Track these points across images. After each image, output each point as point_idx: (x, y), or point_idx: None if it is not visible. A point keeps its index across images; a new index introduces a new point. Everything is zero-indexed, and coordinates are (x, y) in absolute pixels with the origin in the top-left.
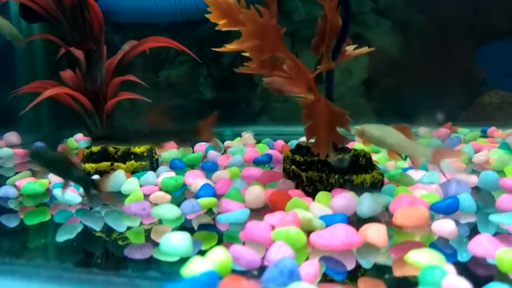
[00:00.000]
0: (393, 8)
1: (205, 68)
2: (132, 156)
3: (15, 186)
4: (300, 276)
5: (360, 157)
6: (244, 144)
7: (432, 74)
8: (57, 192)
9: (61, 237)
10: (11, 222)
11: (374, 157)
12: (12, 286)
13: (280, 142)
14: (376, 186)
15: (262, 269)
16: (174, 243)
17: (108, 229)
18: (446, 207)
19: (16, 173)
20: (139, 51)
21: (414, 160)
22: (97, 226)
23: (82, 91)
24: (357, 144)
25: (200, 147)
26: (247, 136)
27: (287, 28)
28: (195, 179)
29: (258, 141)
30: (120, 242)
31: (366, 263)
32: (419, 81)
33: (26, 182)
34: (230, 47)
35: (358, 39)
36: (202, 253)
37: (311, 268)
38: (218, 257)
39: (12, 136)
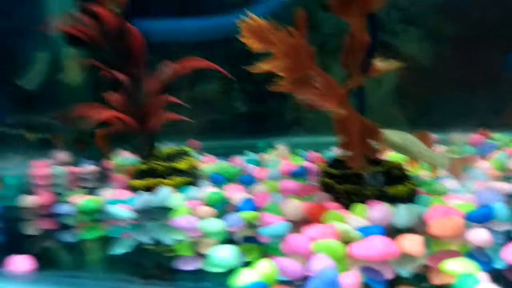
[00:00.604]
0: (421, 16)
1: (238, 82)
2: (176, 172)
3: (72, 203)
4: (341, 285)
5: (394, 168)
6: (279, 156)
7: (463, 80)
8: (110, 208)
9: (116, 250)
10: (70, 237)
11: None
12: None
13: (314, 154)
14: (410, 197)
15: (304, 279)
16: (221, 255)
17: (157, 242)
18: (481, 216)
19: (69, 190)
20: (178, 72)
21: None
22: (147, 239)
23: (126, 112)
24: (389, 154)
25: (238, 160)
26: (281, 148)
27: (316, 40)
28: (236, 193)
29: (292, 153)
30: (169, 254)
31: (405, 272)
32: (450, 87)
33: (82, 199)
34: (262, 66)
35: (386, 47)
36: (246, 264)
37: (351, 278)
38: (264, 268)
39: (62, 154)
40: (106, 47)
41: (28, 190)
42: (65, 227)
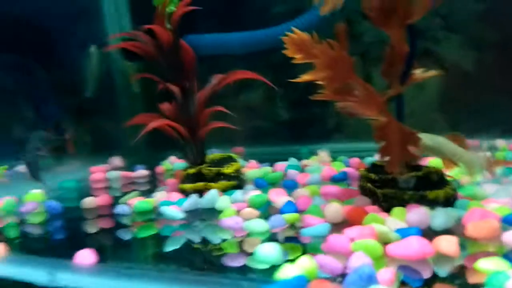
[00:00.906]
0: (463, 23)
1: (280, 90)
2: (222, 176)
3: (128, 204)
4: (378, 280)
5: (433, 173)
6: (321, 162)
7: (505, 86)
8: (163, 209)
9: (168, 248)
10: (127, 235)
11: (449, 172)
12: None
13: (355, 160)
14: (449, 200)
15: (343, 276)
16: (266, 252)
17: (206, 240)
18: None
19: (124, 192)
20: (225, 83)
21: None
22: (197, 238)
23: (178, 121)
24: (432, 160)
25: (280, 166)
26: (323, 154)
27: (357, 49)
28: (278, 196)
29: (334, 159)
30: (217, 252)
31: (442, 272)
32: (492, 93)
33: (137, 201)
34: (305, 77)
35: (428, 54)
36: (289, 261)
37: (387, 274)
38: (305, 264)
39: (116, 160)
40: (160, 61)
41: (86, 192)
42: (122, 226)
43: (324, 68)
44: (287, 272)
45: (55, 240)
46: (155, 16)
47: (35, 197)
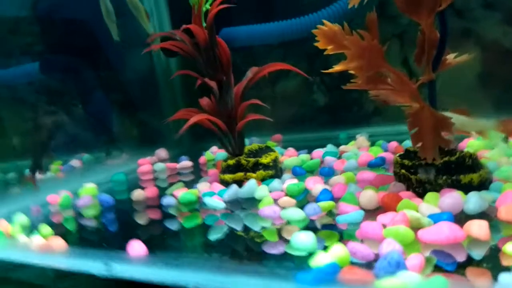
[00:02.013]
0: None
1: (317, 77)
2: (260, 166)
3: (173, 195)
4: (406, 266)
5: (467, 158)
6: (359, 148)
7: None
8: (206, 199)
9: (213, 236)
10: (174, 225)
11: (487, 154)
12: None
13: (393, 144)
14: (483, 184)
15: (375, 261)
16: (302, 240)
17: (247, 229)
18: None
19: (170, 183)
20: (260, 76)
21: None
22: (238, 227)
23: (217, 115)
24: (472, 141)
25: (318, 153)
26: (361, 139)
27: (395, 30)
28: (315, 184)
29: (373, 143)
30: (257, 240)
31: (476, 255)
32: None
33: (182, 192)
34: (337, 68)
35: (467, 34)
36: (325, 248)
37: (416, 260)
38: (338, 251)
39: (162, 152)
40: (198, 58)
41: (135, 184)
42: (169, 216)
43: (355, 58)
44: (320, 259)
45: (109, 232)
46: (192, 15)
47: (89, 191)
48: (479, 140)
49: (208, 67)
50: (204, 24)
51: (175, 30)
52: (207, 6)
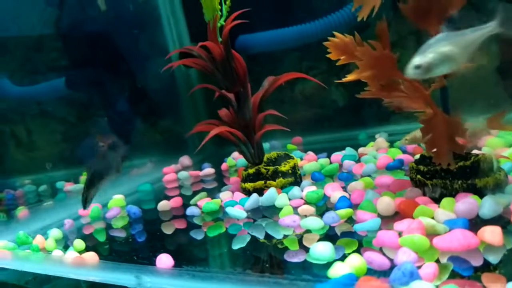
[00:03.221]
0: None
1: (335, 77)
2: (279, 174)
3: (197, 205)
4: (420, 275)
5: (481, 161)
6: (377, 149)
7: None
8: (228, 209)
9: (236, 246)
10: (199, 235)
11: (505, 153)
12: None
13: (411, 145)
14: (500, 186)
15: (392, 270)
16: (320, 251)
17: (268, 237)
18: None
19: (194, 192)
20: (276, 85)
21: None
22: (260, 235)
23: (235, 126)
24: (490, 140)
25: (336, 157)
26: (380, 140)
27: (410, 29)
28: (333, 191)
29: (391, 143)
30: (279, 247)
31: (493, 260)
32: None
33: (205, 202)
34: (350, 77)
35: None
36: (345, 256)
37: (429, 269)
38: (354, 261)
39: (185, 159)
40: (215, 72)
41: (161, 193)
42: (194, 226)
43: (367, 68)
44: (337, 270)
45: (137, 243)
46: (208, 31)
47: (117, 203)
48: (498, 138)
49: (226, 80)
50: (220, 39)
51: (191, 46)
52: (222, 22)
